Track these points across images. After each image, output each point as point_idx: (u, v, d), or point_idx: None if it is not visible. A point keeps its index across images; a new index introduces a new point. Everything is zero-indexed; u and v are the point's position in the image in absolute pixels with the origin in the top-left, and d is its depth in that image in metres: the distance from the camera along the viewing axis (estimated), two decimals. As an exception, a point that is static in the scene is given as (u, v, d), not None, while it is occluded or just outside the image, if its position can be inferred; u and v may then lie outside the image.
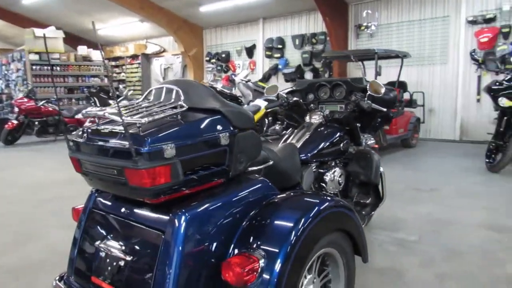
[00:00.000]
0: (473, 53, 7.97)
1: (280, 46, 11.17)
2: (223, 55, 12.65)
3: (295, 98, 2.99)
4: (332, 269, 1.89)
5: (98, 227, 1.81)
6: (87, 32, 14.78)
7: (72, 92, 12.88)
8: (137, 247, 1.61)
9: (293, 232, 1.55)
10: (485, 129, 7.73)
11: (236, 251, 1.57)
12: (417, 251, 2.97)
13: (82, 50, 13.39)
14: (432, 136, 8.70)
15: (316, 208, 1.67)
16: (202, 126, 1.61)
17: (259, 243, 1.54)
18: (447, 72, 8.46)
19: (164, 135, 1.48)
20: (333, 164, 2.74)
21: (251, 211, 1.70)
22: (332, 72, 9.71)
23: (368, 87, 2.66)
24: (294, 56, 11.00)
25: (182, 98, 1.67)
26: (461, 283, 2.49)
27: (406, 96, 7.82)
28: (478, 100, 8.06)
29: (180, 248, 1.47)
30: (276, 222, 1.64)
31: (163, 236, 1.51)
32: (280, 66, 11.15)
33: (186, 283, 1.47)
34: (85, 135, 1.65)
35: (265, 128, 7.62)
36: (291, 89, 3.20)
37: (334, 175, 2.66)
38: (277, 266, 1.47)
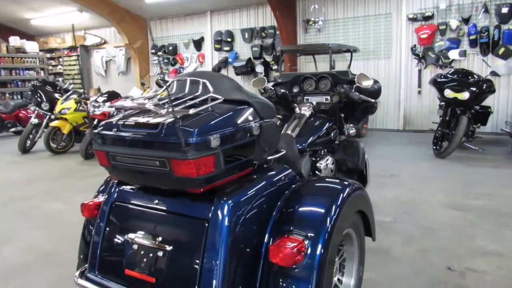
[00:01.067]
0: (414, 49, 8.56)
1: (229, 39, 11.17)
2: (170, 48, 12.38)
3: (282, 90, 3.10)
4: (347, 249, 2.03)
5: (126, 220, 1.79)
6: (19, 22, 13.71)
7: (5, 86, 11.99)
8: (176, 237, 1.63)
9: (329, 215, 1.66)
10: (426, 119, 8.40)
11: (275, 235, 1.64)
12: (396, 230, 3.22)
13: (15, 41, 12.49)
14: (379, 126, 9.24)
15: (344, 192, 1.80)
16: (238, 116, 1.67)
17: (298, 227, 1.63)
18: (391, 66, 9.02)
19: (210, 126, 1.52)
20: (323, 153, 2.89)
21: (281, 197, 1.79)
22: (284, 65, 9.93)
23: (356, 79, 2.83)
24: (244, 50, 11.06)
25: (212, 90, 1.70)
26: (442, 256, 2.76)
27: None
28: (419, 92, 8.69)
29: (227, 235, 1.52)
30: (310, 207, 1.74)
31: (206, 224, 1.55)
32: (230, 60, 11.16)
33: (232, 269, 1.53)
34: (115, 128, 1.63)
35: None
36: (275, 81, 3.30)
37: (327, 163, 2.81)
38: (320, 247, 1.57)
